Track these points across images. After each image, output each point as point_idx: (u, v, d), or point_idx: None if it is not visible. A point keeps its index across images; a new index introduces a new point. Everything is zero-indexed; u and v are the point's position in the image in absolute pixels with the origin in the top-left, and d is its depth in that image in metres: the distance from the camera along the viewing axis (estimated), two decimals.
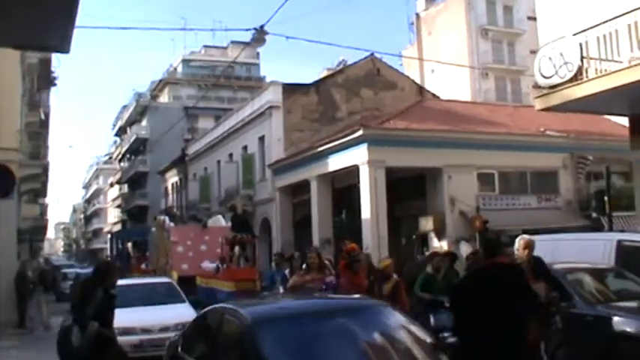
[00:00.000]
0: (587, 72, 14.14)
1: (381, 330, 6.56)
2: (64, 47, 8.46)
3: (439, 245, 26.03)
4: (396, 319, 7.01)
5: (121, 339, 9.79)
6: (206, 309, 8.54)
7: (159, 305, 14.89)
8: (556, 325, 9.23)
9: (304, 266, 14.41)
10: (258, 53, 70.70)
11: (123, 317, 10.03)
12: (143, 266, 30.36)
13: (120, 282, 12.02)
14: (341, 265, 11.23)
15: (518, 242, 9.72)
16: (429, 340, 6.65)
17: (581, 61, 14.08)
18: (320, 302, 8.10)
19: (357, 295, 8.76)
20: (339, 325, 6.41)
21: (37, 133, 30.14)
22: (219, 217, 28.31)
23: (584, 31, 14.15)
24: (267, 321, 6.60)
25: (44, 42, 8.92)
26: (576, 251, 12.28)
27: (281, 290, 13.49)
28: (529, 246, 9.60)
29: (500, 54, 55.41)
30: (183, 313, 13.91)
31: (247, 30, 19.68)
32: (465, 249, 12.91)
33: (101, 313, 7.78)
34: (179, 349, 8.10)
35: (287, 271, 14.27)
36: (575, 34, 14.25)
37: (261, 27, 18.91)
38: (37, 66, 30.39)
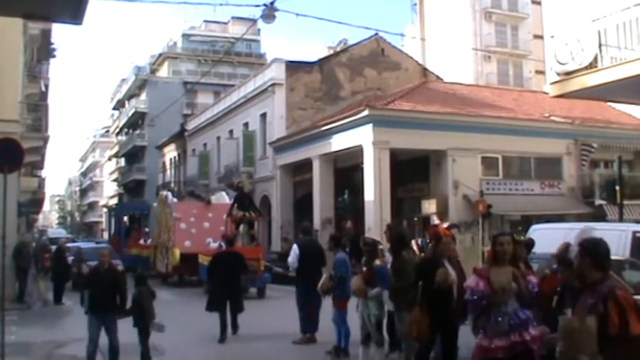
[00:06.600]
0: (603, 60, 13.93)
1: None
2: (77, 19, 8.19)
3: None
4: None
5: None
6: None
7: None
8: None
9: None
10: (259, 30, 70.11)
11: None
12: (142, 242, 30.23)
13: None
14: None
15: None
16: None
17: (599, 48, 13.85)
18: None
19: None
20: None
21: (38, 105, 29.69)
22: (223, 193, 28.14)
23: (603, 17, 13.91)
24: None
25: (57, 12, 8.66)
26: None
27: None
28: None
29: (503, 37, 54.91)
30: None
31: (257, 6, 19.32)
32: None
33: None
34: None
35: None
36: (593, 21, 14.01)
37: (272, 3, 18.60)
38: (38, 37, 29.96)
